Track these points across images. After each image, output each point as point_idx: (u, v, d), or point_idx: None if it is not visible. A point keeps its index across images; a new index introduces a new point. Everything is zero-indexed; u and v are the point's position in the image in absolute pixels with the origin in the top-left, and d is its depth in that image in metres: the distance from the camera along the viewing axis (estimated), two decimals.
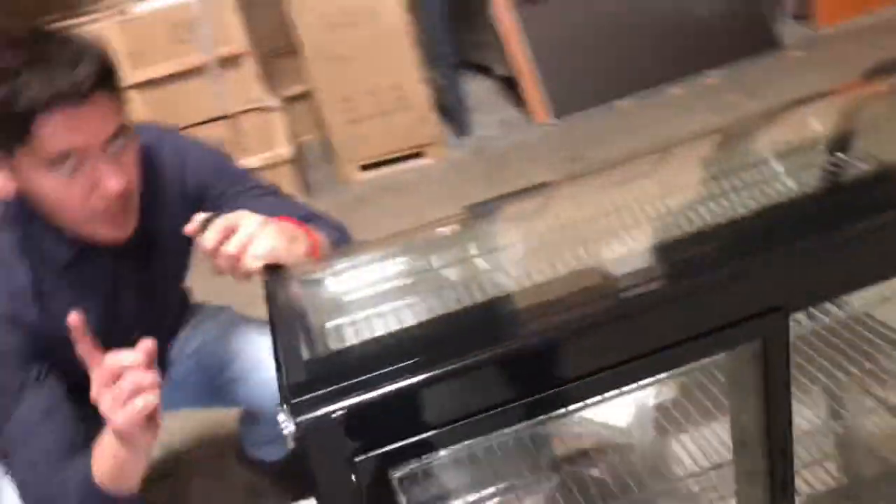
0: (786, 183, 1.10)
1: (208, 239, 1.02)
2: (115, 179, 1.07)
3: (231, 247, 1.01)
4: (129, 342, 1.07)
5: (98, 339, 1.05)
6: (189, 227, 1.05)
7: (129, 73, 2.80)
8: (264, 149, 3.16)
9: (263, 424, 1.59)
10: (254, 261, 1.00)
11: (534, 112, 3.61)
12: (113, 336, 1.11)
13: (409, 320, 0.97)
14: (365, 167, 3.46)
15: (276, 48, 3.69)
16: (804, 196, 1.03)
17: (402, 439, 0.71)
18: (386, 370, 0.71)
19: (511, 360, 0.71)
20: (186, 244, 1.28)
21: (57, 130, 1.00)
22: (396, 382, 0.70)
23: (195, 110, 3.03)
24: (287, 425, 0.68)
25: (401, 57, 3.27)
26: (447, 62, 3.52)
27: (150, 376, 0.96)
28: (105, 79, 1.05)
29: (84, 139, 1.03)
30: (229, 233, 1.02)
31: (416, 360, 0.71)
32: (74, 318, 0.96)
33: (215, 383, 1.51)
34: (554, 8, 3.56)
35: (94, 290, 1.22)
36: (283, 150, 3.18)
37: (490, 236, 1.10)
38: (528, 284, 0.99)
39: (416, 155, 3.48)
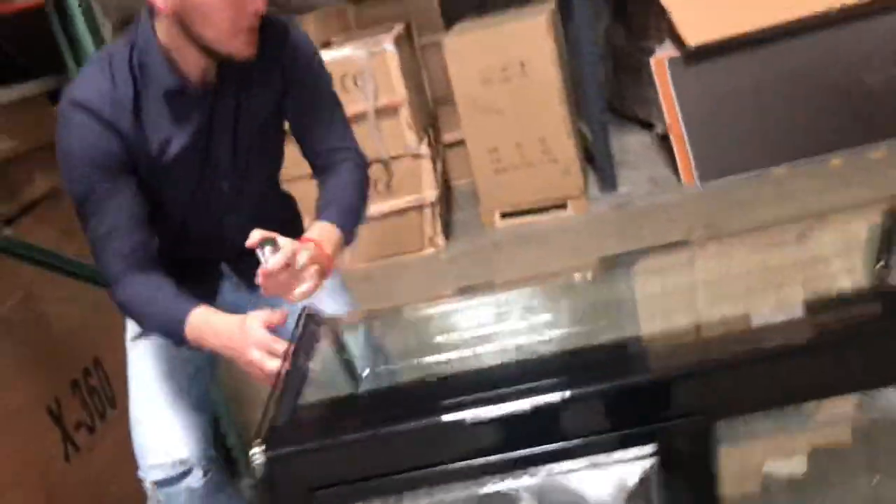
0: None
1: (271, 263, 1.22)
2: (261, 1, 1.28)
3: (293, 293, 1.26)
4: (219, 190, 1.40)
5: (189, 174, 1.34)
6: (250, 241, 1.25)
7: None
8: (412, 191, 3.41)
9: None
10: (300, 297, 1.24)
11: (682, 173, 3.60)
12: (203, 178, 1.39)
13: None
14: (505, 215, 3.62)
15: (439, 97, 3.98)
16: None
17: (356, 482, 0.86)
18: (349, 423, 0.86)
19: (465, 426, 0.83)
20: (274, 114, 1.48)
21: None
22: (352, 434, 0.85)
23: None
24: (257, 458, 0.85)
25: (548, 112, 3.41)
26: (598, 116, 3.61)
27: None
28: None
29: None
30: (287, 265, 1.23)
31: (384, 416, 0.86)
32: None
33: None
34: (710, 70, 3.53)
35: (188, 122, 1.36)
36: (429, 193, 3.42)
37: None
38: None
39: (558, 206, 3.59)
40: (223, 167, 1.42)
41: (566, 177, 3.53)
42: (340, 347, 1.29)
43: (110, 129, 1.29)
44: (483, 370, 1.08)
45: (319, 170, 1.55)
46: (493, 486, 0.87)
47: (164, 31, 1.29)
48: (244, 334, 1.23)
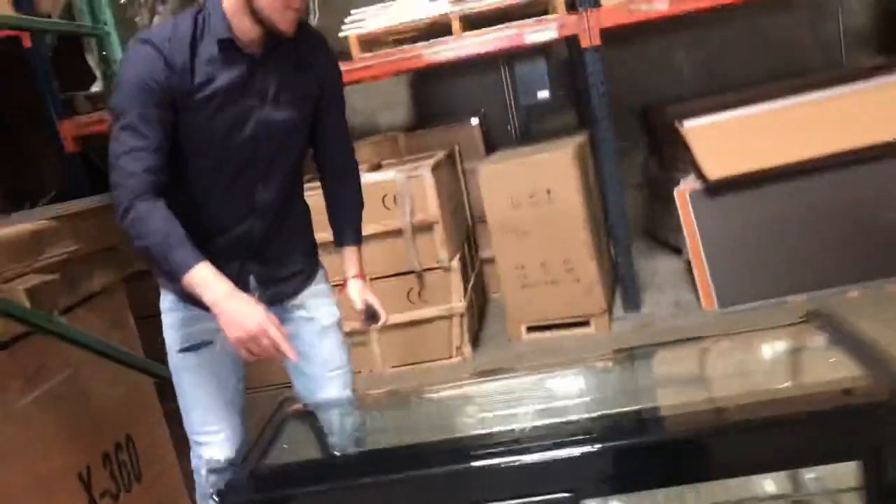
0: None
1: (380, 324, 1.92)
2: None
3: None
4: (249, 150, 1.70)
5: (222, 118, 1.64)
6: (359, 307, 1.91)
7: None
8: (442, 301, 3.66)
9: None
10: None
11: (703, 297, 3.75)
12: (234, 132, 1.68)
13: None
14: (531, 328, 3.82)
15: (479, 215, 4.28)
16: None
17: None
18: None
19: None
20: (306, 106, 1.80)
21: None
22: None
23: (390, 263, 3.64)
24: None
25: (572, 235, 3.66)
26: (622, 241, 3.84)
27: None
28: None
29: None
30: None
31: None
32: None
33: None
34: (731, 202, 3.74)
35: (231, 70, 1.66)
36: (458, 304, 3.66)
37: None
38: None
39: (581, 323, 3.77)
40: (255, 130, 1.70)
41: (588, 296, 3.72)
42: (318, 431, 1.52)
43: (165, 62, 1.59)
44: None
45: (330, 173, 1.96)
46: None
47: (228, 1, 1.64)
48: (257, 307, 1.54)
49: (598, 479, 1.01)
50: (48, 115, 3.81)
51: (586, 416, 1.23)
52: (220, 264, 1.61)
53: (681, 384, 1.52)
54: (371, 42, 3.84)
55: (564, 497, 1.00)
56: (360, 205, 2.02)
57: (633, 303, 3.88)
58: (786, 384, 1.45)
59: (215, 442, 1.78)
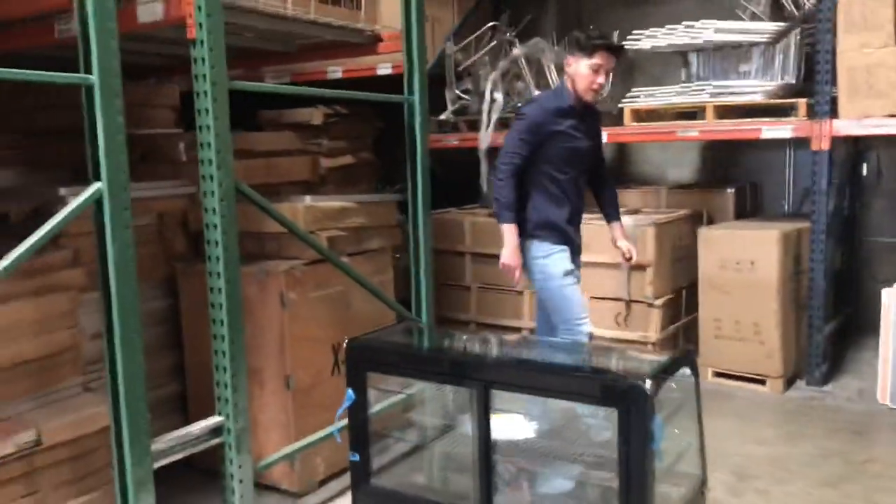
0: None
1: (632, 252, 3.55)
2: (602, 81, 3.28)
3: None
4: (582, 161, 3.40)
5: (568, 142, 3.29)
6: (625, 248, 3.57)
7: None
8: (640, 329, 4.53)
9: None
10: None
11: (880, 390, 4.06)
12: (578, 156, 3.37)
13: None
14: (717, 374, 4.48)
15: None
16: None
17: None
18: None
19: None
20: (598, 138, 3.54)
21: (600, 58, 3.23)
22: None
23: (609, 289, 4.60)
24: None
25: (764, 303, 4.25)
26: (817, 322, 4.29)
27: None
28: (620, 50, 3.43)
29: (607, 65, 3.25)
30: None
31: None
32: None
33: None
34: None
35: (570, 121, 3.29)
36: (652, 334, 4.49)
37: None
38: None
39: (758, 381, 4.34)
40: (584, 149, 3.37)
41: (769, 359, 4.28)
42: None
43: (544, 115, 3.27)
44: None
45: (595, 180, 3.56)
46: None
47: (568, 83, 3.33)
48: (518, 250, 3.22)
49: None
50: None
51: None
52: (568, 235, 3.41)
53: None
54: (643, 113, 4.81)
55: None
56: (616, 197, 3.68)
57: (816, 378, 4.32)
58: None
59: (586, 321, 3.30)
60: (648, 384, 1.88)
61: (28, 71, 2.11)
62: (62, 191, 2.92)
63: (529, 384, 2.12)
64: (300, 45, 3.75)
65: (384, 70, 5.08)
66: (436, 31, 5.60)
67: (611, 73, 3.35)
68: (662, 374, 2.01)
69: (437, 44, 5.63)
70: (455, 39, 5.73)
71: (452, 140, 5.55)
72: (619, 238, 3.57)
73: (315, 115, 4.74)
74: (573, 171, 3.35)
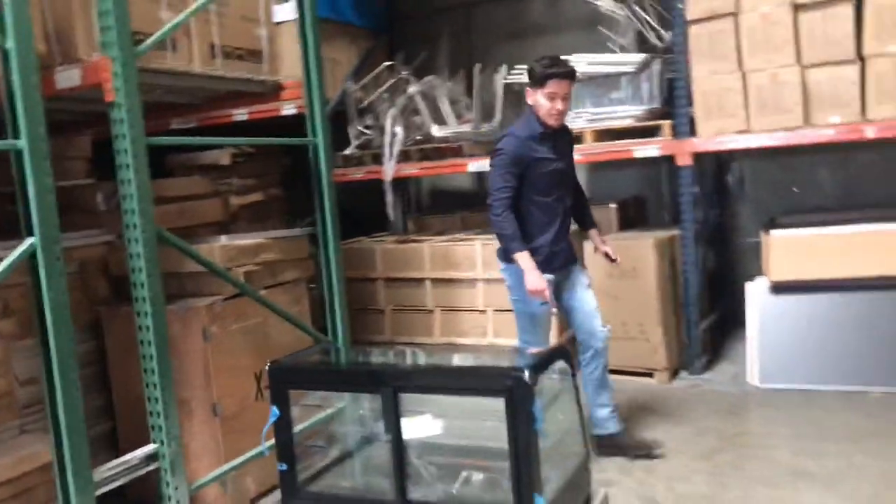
0: None
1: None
2: (562, 107, 3.41)
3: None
4: (565, 180, 3.58)
5: (548, 166, 3.43)
6: (607, 251, 3.80)
7: None
8: None
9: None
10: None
11: (749, 373, 4.60)
12: (559, 178, 3.51)
13: None
14: (611, 371, 4.91)
15: None
16: None
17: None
18: None
19: None
20: (572, 155, 3.69)
21: (553, 86, 3.37)
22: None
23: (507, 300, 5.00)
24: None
25: (647, 306, 4.74)
26: (692, 320, 4.81)
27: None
28: (571, 75, 3.43)
29: (561, 91, 3.37)
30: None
31: None
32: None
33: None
34: (789, 300, 4.55)
35: (546, 146, 3.45)
36: (552, 340, 4.91)
37: None
38: None
39: (646, 374, 4.82)
40: (561, 173, 3.52)
41: (654, 355, 4.77)
42: None
43: (521, 146, 3.39)
44: None
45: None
46: None
47: (534, 111, 3.44)
48: (540, 274, 3.31)
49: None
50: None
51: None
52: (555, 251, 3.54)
53: None
54: None
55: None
56: (588, 205, 3.90)
57: (696, 368, 4.83)
58: None
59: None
60: (527, 374, 2.25)
61: None
62: None
63: (431, 385, 2.47)
64: (206, 96, 4.03)
65: (288, 110, 5.37)
66: (336, 71, 5.94)
67: (569, 97, 3.43)
68: (540, 366, 2.40)
69: (339, 83, 5.97)
70: (355, 79, 6.09)
71: (358, 173, 5.88)
72: (599, 244, 3.83)
73: (223, 157, 5.00)
74: (558, 191, 3.52)
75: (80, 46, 2.91)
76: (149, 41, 2.96)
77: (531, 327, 3.55)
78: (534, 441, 2.25)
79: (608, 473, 3.52)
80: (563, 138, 3.59)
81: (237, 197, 4.97)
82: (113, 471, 2.75)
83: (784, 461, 3.53)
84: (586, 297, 3.69)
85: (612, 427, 3.76)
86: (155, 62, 3.09)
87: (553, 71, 3.36)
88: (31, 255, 2.47)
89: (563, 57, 3.51)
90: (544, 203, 3.46)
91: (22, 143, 2.43)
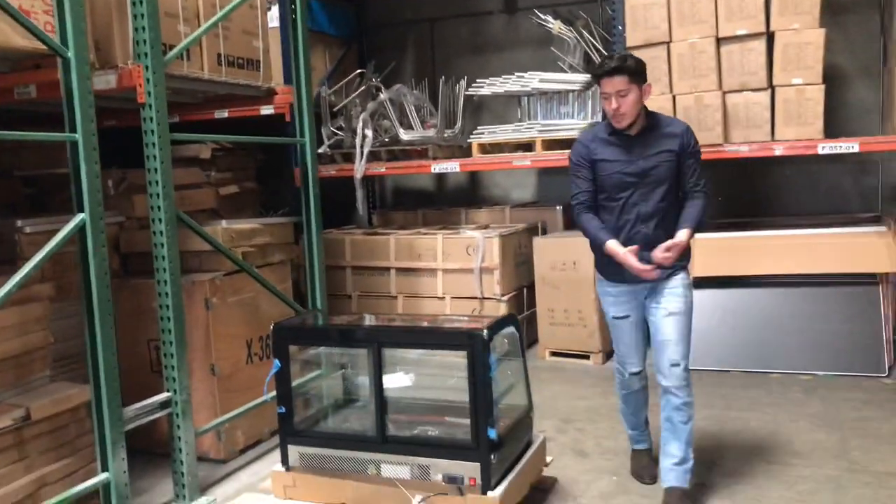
0: None
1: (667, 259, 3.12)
2: (616, 104, 3.10)
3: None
4: (635, 183, 3.19)
5: (610, 176, 3.20)
6: (660, 255, 3.09)
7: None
8: None
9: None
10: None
11: None
12: (627, 180, 3.19)
13: None
14: (553, 353, 5.61)
15: None
16: None
17: None
18: None
19: None
20: (665, 158, 3.19)
21: (604, 86, 3.12)
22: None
23: (466, 290, 5.63)
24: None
25: (584, 294, 5.42)
26: None
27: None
28: (615, 71, 3.10)
29: (612, 89, 3.09)
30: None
31: None
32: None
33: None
34: (712, 293, 5.28)
35: (614, 148, 3.22)
36: None
37: None
38: None
39: (584, 356, 5.50)
40: (638, 177, 3.18)
41: (591, 338, 5.46)
42: None
43: (581, 149, 3.29)
44: None
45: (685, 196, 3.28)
46: None
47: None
48: (634, 258, 3.04)
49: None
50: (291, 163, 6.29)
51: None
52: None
53: None
54: (487, 146, 5.92)
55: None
56: (702, 214, 3.30)
57: None
58: None
59: (632, 364, 3.46)
60: (485, 332, 2.88)
61: (21, 132, 2.87)
62: (19, 222, 3.63)
63: (408, 341, 3.09)
64: (205, 98, 4.55)
65: (266, 111, 5.92)
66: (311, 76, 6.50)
67: (625, 93, 3.09)
68: (495, 328, 3.02)
69: (313, 87, 6.52)
70: (329, 84, 6.66)
71: (331, 170, 6.44)
72: (660, 247, 3.11)
73: (203, 151, 5.48)
74: (625, 194, 3.20)
75: (117, 55, 3.42)
76: (174, 51, 3.51)
77: (613, 338, 3.47)
78: (488, 385, 2.87)
79: (548, 433, 4.16)
80: (645, 138, 3.20)
81: (221, 188, 5.48)
82: (136, 412, 3.28)
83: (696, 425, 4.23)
84: (661, 326, 3.25)
85: (672, 480, 3.29)
86: (175, 69, 3.61)
87: (596, 72, 3.20)
88: (80, 228, 3.00)
89: (617, 54, 3.40)
90: (610, 206, 3.25)
91: (77, 136, 2.96)
